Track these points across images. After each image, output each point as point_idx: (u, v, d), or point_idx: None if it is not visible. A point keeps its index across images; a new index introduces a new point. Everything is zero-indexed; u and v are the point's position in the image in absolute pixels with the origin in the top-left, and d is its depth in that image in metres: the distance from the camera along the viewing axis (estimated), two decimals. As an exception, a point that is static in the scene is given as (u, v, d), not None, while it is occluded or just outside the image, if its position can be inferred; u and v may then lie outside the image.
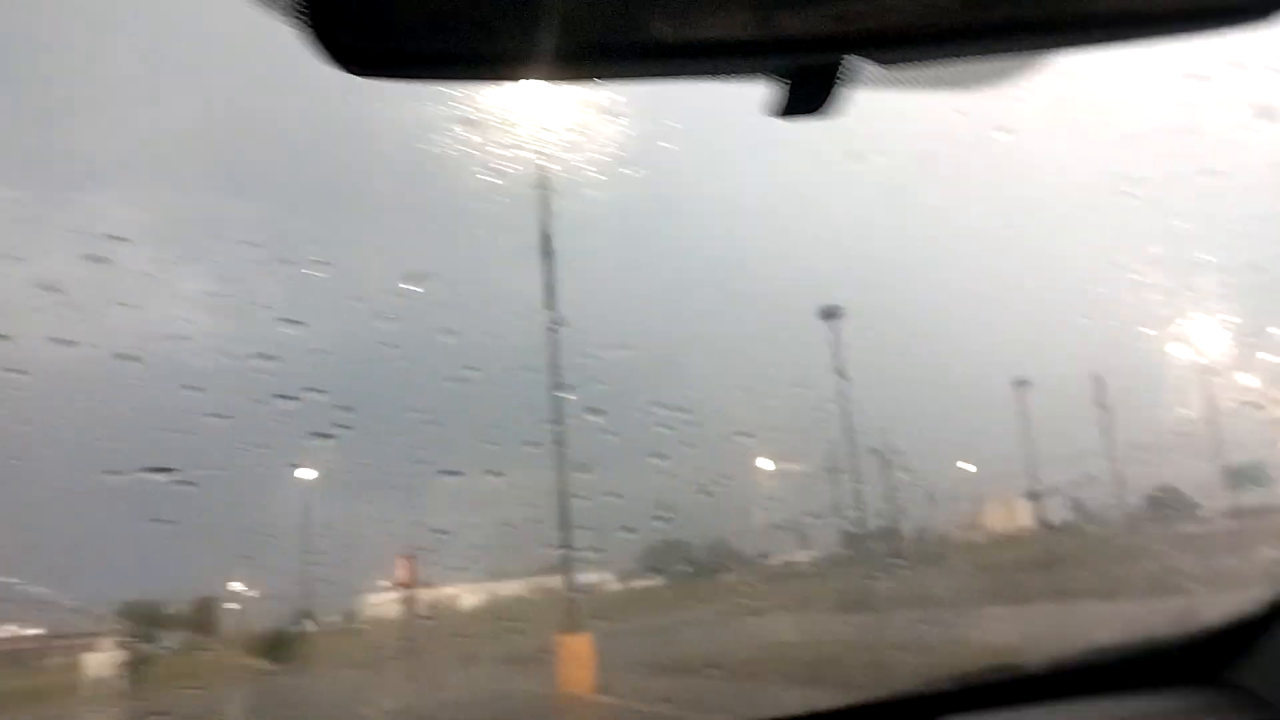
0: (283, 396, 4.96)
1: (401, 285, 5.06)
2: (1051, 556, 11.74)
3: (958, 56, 1.26)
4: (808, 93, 1.21)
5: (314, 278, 5.63)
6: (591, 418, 5.51)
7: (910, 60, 1.25)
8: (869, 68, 1.19)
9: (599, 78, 1.38)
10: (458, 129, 4.84)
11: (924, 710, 2.08)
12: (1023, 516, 15.17)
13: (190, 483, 5.55)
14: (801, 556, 12.22)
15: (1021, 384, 16.54)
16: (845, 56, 1.17)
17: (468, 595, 10.89)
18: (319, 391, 5.05)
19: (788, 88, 1.19)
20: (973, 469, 13.32)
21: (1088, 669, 2.22)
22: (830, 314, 14.01)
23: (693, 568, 10.64)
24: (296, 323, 5.11)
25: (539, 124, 9.53)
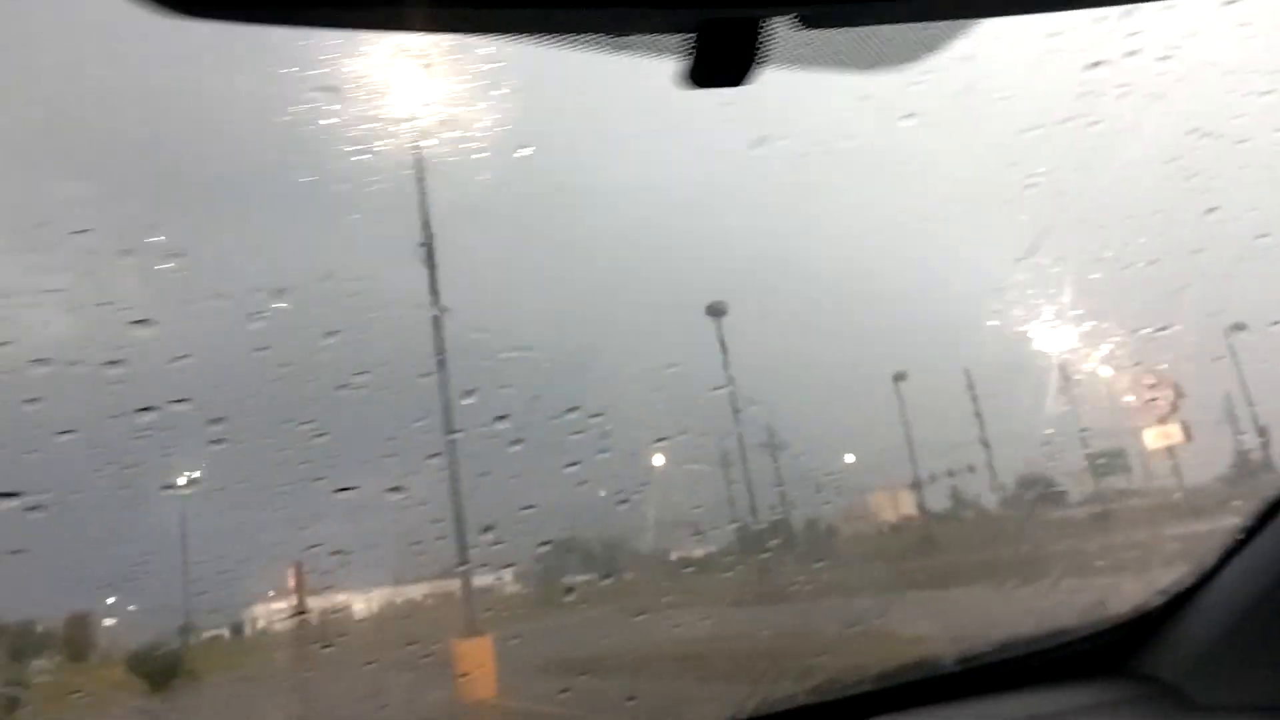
0: (143, 409, 4.37)
1: (273, 283, 4.56)
2: (934, 544, 12.23)
3: (882, 18, 1.15)
4: (718, 56, 1.07)
5: (163, 272, 5.02)
6: (499, 425, 5.30)
7: (832, 20, 1.12)
8: (784, 30, 1.07)
9: (474, 29, 1.20)
10: (319, 99, 4.41)
11: (852, 712, 2.12)
12: (906, 506, 15.74)
13: (38, 507, 4.88)
14: (697, 552, 12.38)
15: (900, 377, 17.14)
16: (761, 11, 1.02)
17: (363, 603, 10.62)
18: (182, 401, 4.49)
19: (695, 50, 1.05)
20: (853, 459, 13.74)
21: (1000, 664, 2.31)
22: (716, 311, 14.14)
23: (593, 567, 10.67)
24: (147, 323, 4.48)
25: (416, 95, 8.85)
